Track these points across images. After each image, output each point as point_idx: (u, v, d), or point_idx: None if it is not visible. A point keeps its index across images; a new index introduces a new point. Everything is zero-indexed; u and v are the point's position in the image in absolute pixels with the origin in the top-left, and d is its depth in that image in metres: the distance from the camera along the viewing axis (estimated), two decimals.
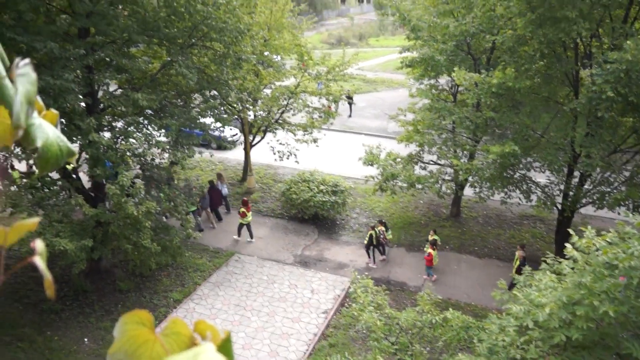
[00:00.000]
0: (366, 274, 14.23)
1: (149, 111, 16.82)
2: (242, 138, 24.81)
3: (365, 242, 19.32)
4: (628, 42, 13.26)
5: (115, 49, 15.19)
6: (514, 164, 17.02)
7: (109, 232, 15.50)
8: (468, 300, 17.37)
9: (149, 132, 16.67)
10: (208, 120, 19.34)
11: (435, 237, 18.82)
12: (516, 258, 16.99)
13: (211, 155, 21.29)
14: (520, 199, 18.60)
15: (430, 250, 18.12)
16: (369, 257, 19.38)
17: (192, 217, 18.83)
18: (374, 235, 18.89)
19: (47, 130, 1.08)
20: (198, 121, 18.00)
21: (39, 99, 1.09)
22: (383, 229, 19.30)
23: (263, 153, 26.33)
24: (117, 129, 16.03)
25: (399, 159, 20.40)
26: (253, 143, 25.11)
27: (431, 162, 20.91)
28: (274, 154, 24.12)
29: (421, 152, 20.77)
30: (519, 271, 16.37)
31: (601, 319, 7.27)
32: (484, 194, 18.78)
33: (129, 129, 15.97)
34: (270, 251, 20.39)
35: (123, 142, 15.96)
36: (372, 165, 20.55)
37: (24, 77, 1.02)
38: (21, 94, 0.99)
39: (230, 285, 18.11)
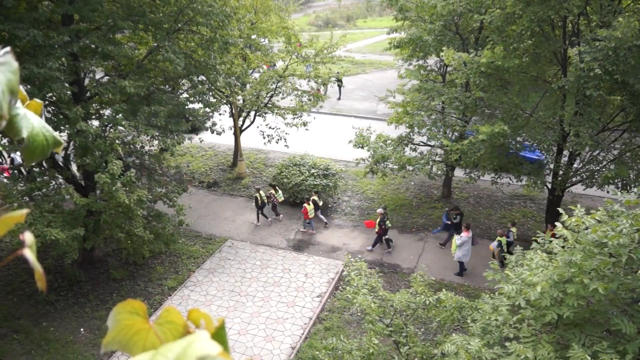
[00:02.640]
0: (359, 257, 14.24)
1: (136, 97, 16.54)
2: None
3: (254, 204, 20.97)
4: (619, 19, 13.22)
5: (100, 36, 14.93)
6: (504, 143, 17.06)
7: (100, 221, 15.42)
8: (461, 281, 17.50)
9: (137, 119, 16.43)
10: (197, 105, 19.16)
11: (315, 197, 20.31)
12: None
13: (201, 141, 21.14)
14: (510, 178, 18.67)
15: (305, 205, 19.70)
16: (257, 218, 21.02)
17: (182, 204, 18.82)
18: (258, 198, 20.37)
19: (32, 120, 1.07)
20: (186, 107, 17.88)
21: (22, 88, 1.06)
22: (273, 191, 20.74)
23: (253, 137, 26.25)
24: (105, 117, 15.86)
25: (389, 141, 20.43)
26: (243, 128, 24.98)
27: (421, 144, 20.92)
28: (264, 138, 24.05)
29: (411, 134, 20.70)
30: (379, 231, 18.70)
31: (591, 297, 7.32)
32: (474, 174, 18.84)
33: (117, 116, 15.76)
34: (263, 236, 20.38)
35: (112, 130, 15.80)
36: (362, 147, 20.58)
37: (5, 66, 0.99)
38: (2, 84, 0.97)
39: (224, 272, 18.12)
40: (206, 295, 16.98)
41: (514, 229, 17.98)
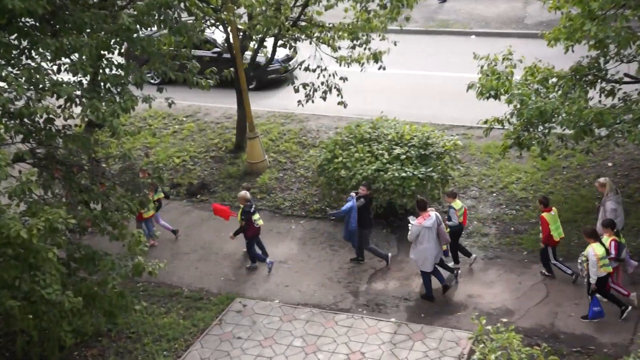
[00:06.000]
0: (504, 321, 13.34)
1: (30, 20, 16.44)
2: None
3: None
4: None
5: None
6: None
7: None
8: None
9: (34, 65, 16.27)
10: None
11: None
12: None
13: (170, 105, 20.26)
14: None
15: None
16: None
17: (142, 231, 19.29)
18: None
19: None
20: (135, 35, 17.62)
21: None
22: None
23: (274, 93, 26.19)
24: None
25: (553, 79, 20.51)
26: (253, 74, 26.28)
27: (625, 79, 20.70)
28: (296, 91, 24.41)
29: (600, 60, 20.15)
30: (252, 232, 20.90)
31: None
32: None
33: None
34: (306, 288, 20.06)
35: None
36: (496, 97, 20.70)
37: None
38: None
39: None
40: None
41: (455, 203, 19.59)
